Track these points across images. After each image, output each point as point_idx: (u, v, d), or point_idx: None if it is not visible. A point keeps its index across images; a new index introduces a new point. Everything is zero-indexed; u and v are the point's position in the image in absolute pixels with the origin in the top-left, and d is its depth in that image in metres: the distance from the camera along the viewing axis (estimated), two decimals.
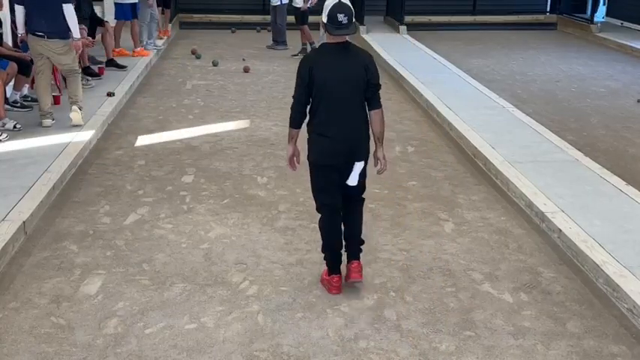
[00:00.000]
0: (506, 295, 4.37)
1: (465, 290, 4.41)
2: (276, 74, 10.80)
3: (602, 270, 4.41)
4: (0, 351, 3.69)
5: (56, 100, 7.86)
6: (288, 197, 5.85)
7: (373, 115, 4.21)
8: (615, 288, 4.25)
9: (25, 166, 6.04)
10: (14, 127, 7.06)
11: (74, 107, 7.23)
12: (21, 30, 7.34)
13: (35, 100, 7.96)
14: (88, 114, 7.62)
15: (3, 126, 7.04)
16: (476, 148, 6.79)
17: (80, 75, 7.52)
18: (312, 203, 4.58)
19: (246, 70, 10.93)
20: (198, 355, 3.70)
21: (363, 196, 4.49)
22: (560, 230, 4.99)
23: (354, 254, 4.40)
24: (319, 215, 4.37)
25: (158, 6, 12.05)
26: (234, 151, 7.04)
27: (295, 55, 11.93)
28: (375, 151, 4.30)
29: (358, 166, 4.24)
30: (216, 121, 8.18)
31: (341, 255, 4.38)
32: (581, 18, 15.81)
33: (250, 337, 3.87)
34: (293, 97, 4.24)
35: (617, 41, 13.81)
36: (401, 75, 10.22)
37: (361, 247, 4.45)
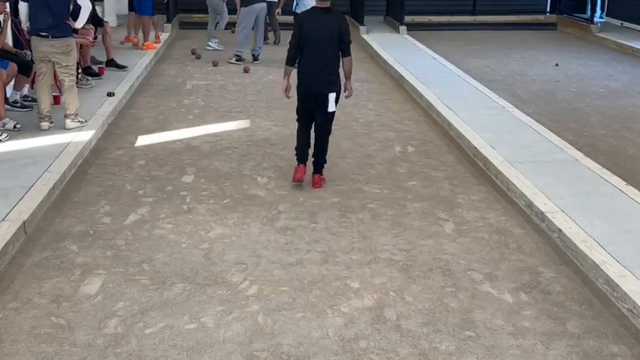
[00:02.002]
0: (506, 295, 4.37)
1: (465, 290, 4.41)
2: (276, 74, 10.78)
3: (602, 270, 4.41)
4: (0, 351, 3.70)
5: (56, 101, 7.84)
6: (288, 197, 5.85)
7: (344, 61, 5.92)
8: (615, 288, 4.25)
9: (25, 166, 6.04)
10: (14, 127, 7.06)
11: (67, 120, 7.18)
12: (26, 23, 7.31)
13: (35, 100, 7.96)
14: (88, 114, 7.62)
15: (3, 126, 7.04)
16: (476, 148, 6.79)
17: (75, 81, 7.40)
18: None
19: (246, 70, 10.93)
20: (198, 355, 3.70)
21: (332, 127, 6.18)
22: (560, 230, 4.99)
23: (317, 170, 6.12)
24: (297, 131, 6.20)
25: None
26: (234, 151, 7.05)
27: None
28: (345, 83, 6.03)
29: (332, 96, 5.84)
30: (216, 121, 8.18)
31: (306, 153, 6.10)
32: (581, 18, 15.81)
33: (250, 337, 3.87)
34: (289, 42, 5.86)
35: (617, 41, 13.80)
36: (401, 75, 10.22)
37: (324, 165, 6.14)
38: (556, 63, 11.94)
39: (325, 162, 6.13)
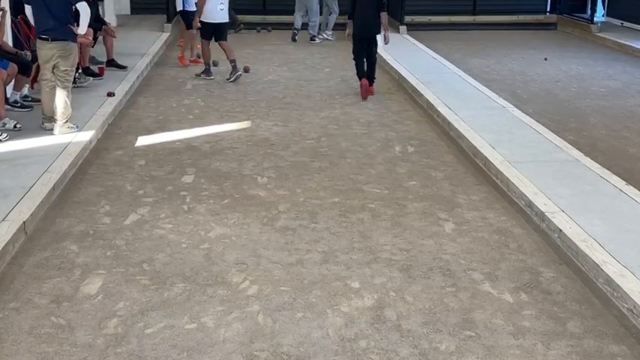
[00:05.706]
0: (507, 295, 4.37)
1: (465, 290, 4.41)
2: (276, 74, 10.80)
3: (602, 270, 4.41)
4: (0, 351, 3.70)
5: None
6: (288, 197, 5.86)
7: (382, 15, 9.00)
8: (615, 288, 4.25)
9: (25, 166, 6.04)
10: (14, 127, 7.06)
11: (55, 125, 7.05)
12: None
13: (35, 100, 7.96)
14: (88, 114, 7.62)
15: (3, 126, 7.04)
16: (476, 148, 6.79)
17: (70, 87, 7.23)
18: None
19: (246, 70, 10.92)
20: (198, 355, 3.70)
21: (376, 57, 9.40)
22: (561, 230, 4.99)
23: (370, 84, 9.22)
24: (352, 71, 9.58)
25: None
26: (234, 151, 7.05)
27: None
28: (384, 32, 9.21)
29: (378, 37, 9.14)
30: (216, 121, 8.19)
31: (364, 72, 9.22)
32: (582, 18, 15.80)
33: (250, 337, 3.87)
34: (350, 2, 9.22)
35: (617, 41, 13.79)
36: (401, 75, 10.22)
37: (373, 80, 9.36)
38: (545, 57, 12.44)
39: (375, 78, 9.38)
